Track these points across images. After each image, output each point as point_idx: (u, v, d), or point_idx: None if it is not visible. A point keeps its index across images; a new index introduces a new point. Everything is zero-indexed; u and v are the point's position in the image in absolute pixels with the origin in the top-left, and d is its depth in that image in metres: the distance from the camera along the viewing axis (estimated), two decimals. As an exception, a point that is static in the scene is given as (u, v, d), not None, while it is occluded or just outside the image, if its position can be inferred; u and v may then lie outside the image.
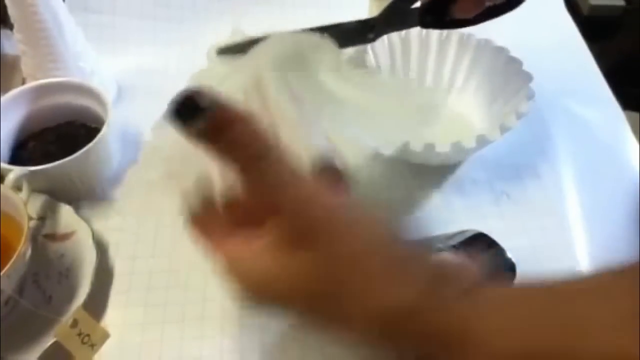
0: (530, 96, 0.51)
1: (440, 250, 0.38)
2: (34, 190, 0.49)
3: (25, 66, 0.58)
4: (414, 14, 0.41)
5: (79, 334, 0.42)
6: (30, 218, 0.44)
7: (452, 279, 0.25)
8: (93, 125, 0.56)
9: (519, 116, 0.50)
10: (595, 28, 0.75)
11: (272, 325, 0.45)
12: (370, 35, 0.40)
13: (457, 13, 0.40)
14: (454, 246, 0.36)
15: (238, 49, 0.37)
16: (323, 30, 0.38)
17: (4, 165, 0.49)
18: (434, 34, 0.58)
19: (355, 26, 0.39)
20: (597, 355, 0.21)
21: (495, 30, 0.51)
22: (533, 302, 0.24)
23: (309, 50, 0.37)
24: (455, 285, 0.24)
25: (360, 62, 0.50)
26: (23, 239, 0.41)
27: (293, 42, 0.36)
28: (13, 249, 0.41)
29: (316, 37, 0.38)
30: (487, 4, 0.40)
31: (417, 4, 0.41)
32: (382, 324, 0.24)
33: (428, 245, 0.32)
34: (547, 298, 0.23)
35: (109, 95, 0.58)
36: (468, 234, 0.37)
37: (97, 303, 0.46)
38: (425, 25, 0.42)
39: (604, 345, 0.21)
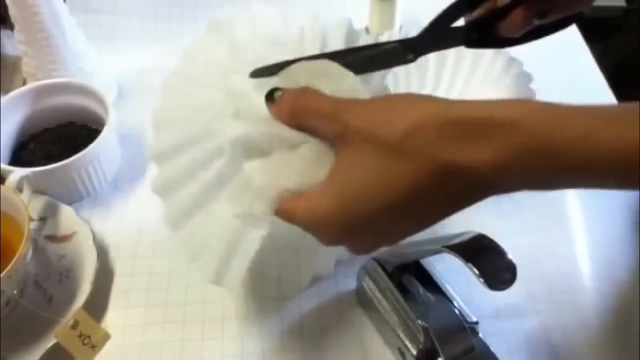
0: (531, 96, 0.51)
1: (439, 251, 0.38)
2: (35, 191, 0.49)
3: (26, 67, 0.58)
4: (456, 32, 0.39)
5: (80, 335, 0.42)
6: (31, 219, 0.44)
7: None
8: (94, 126, 0.57)
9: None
10: (596, 29, 0.75)
11: (272, 327, 0.45)
12: (410, 56, 0.38)
13: (504, 31, 0.39)
14: (453, 247, 0.36)
15: (270, 71, 0.36)
16: (360, 50, 0.37)
17: (5, 167, 0.49)
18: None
19: (394, 47, 0.37)
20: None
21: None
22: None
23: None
24: None
25: None
26: (24, 240, 0.41)
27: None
28: (14, 250, 0.41)
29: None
30: (535, 22, 0.38)
31: (459, 22, 0.39)
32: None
33: None
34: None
35: (109, 95, 0.58)
36: (468, 236, 0.37)
37: (97, 304, 0.46)
38: (470, 44, 0.40)
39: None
